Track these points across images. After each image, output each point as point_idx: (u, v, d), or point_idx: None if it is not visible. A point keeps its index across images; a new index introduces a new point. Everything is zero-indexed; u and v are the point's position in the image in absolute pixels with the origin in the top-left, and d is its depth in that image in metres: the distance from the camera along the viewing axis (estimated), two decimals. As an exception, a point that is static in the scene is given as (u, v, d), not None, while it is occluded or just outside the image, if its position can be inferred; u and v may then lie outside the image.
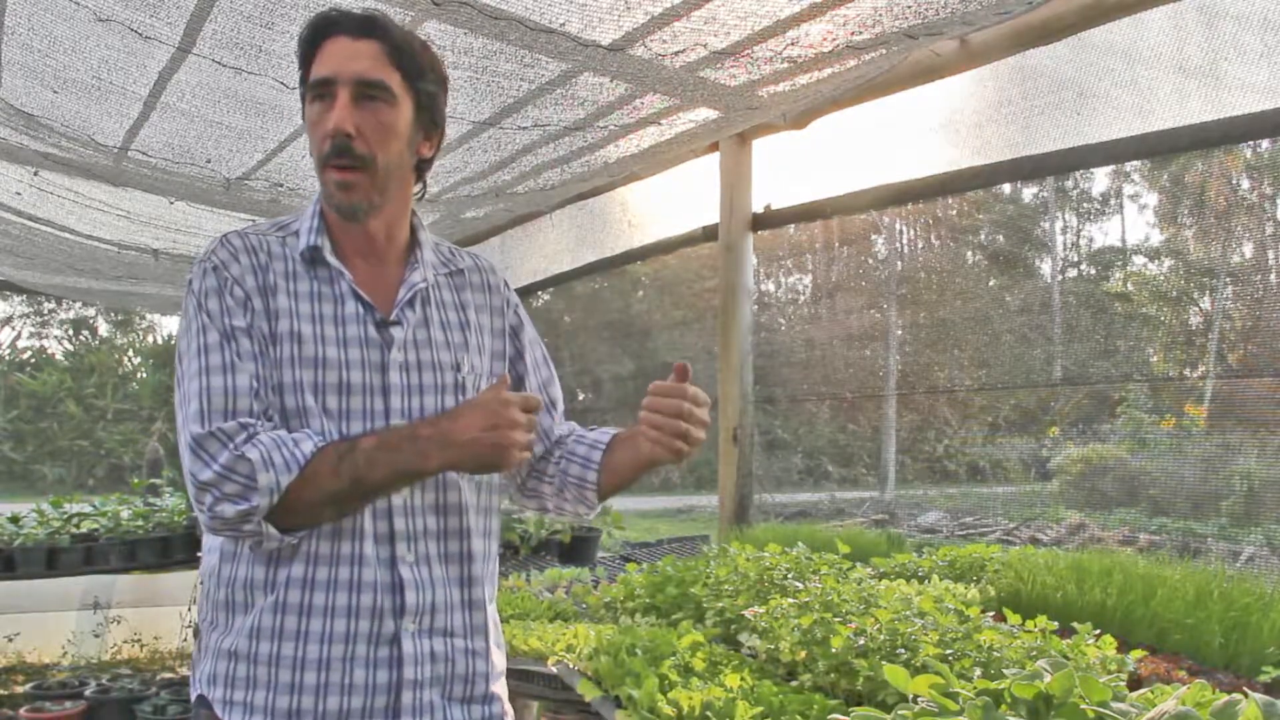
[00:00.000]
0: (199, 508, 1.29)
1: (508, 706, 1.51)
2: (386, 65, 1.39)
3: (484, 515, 1.49)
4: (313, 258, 1.43)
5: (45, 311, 24.20)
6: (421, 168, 1.51)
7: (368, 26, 1.40)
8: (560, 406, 1.66)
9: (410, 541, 1.38)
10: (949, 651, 1.94)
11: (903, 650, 1.97)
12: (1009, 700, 1.40)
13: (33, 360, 23.29)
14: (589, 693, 2.16)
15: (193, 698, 1.42)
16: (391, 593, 1.36)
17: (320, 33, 1.40)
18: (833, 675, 2.01)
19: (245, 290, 1.37)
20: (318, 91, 1.39)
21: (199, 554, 4.63)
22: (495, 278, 1.62)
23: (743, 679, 2.00)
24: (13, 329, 24.39)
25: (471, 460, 1.30)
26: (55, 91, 2.43)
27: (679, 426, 1.35)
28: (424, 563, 1.39)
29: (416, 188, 1.52)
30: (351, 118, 1.36)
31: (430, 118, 1.47)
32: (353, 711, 1.33)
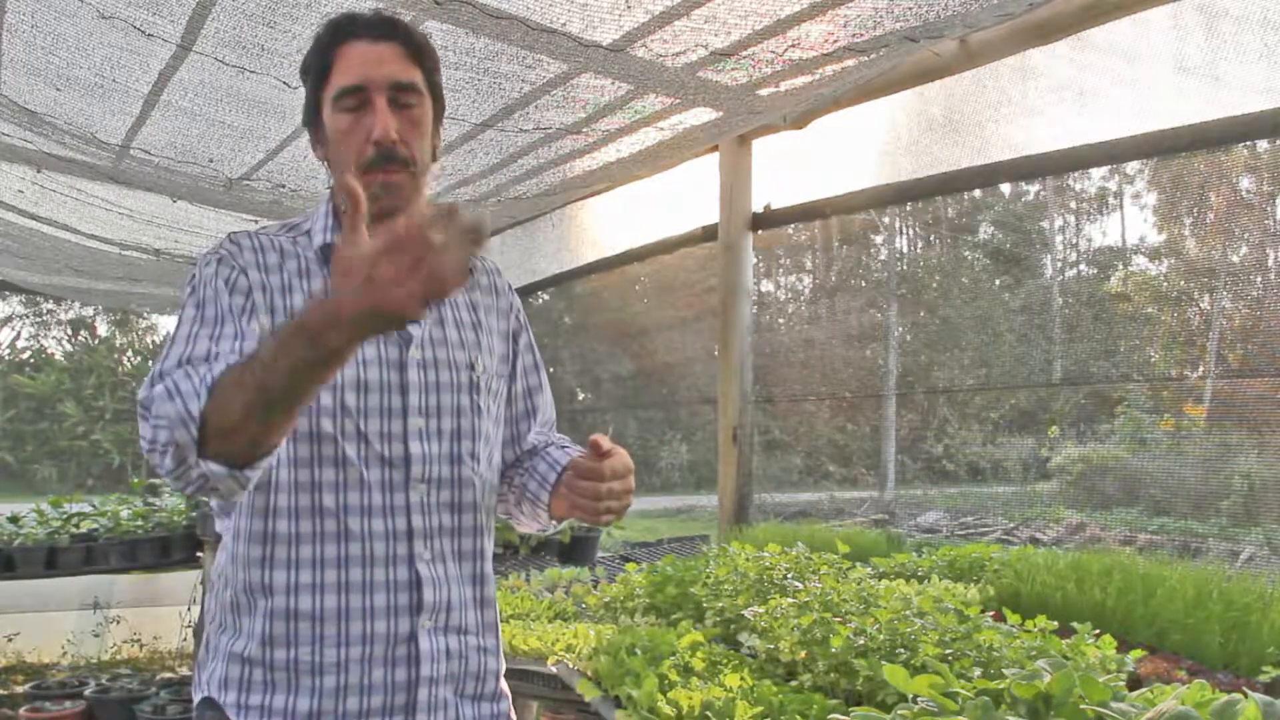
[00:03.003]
0: (164, 476, 1.21)
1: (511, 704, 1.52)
2: (411, 65, 1.39)
3: (489, 515, 1.50)
4: (326, 256, 1.42)
5: (44, 312, 24.20)
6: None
7: (386, 29, 1.39)
8: (542, 415, 1.63)
9: (427, 539, 1.38)
10: (949, 651, 1.94)
11: (903, 650, 1.97)
12: (1009, 700, 1.41)
13: (32, 360, 23.29)
14: (589, 693, 2.16)
15: (196, 699, 1.41)
16: (409, 590, 1.36)
17: (336, 39, 1.39)
18: (833, 675, 2.01)
19: (250, 281, 1.36)
20: (346, 102, 1.37)
21: (199, 554, 4.65)
22: (501, 280, 1.62)
23: (742, 679, 2.00)
24: (12, 329, 24.40)
25: (371, 328, 1.09)
26: (58, 89, 2.43)
27: (598, 506, 1.37)
28: (439, 560, 1.40)
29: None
30: (393, 123, 1.35)
31: (440, 111, 1.48)
32: (372, 710, 1.33)
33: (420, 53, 1.41)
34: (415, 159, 1.38)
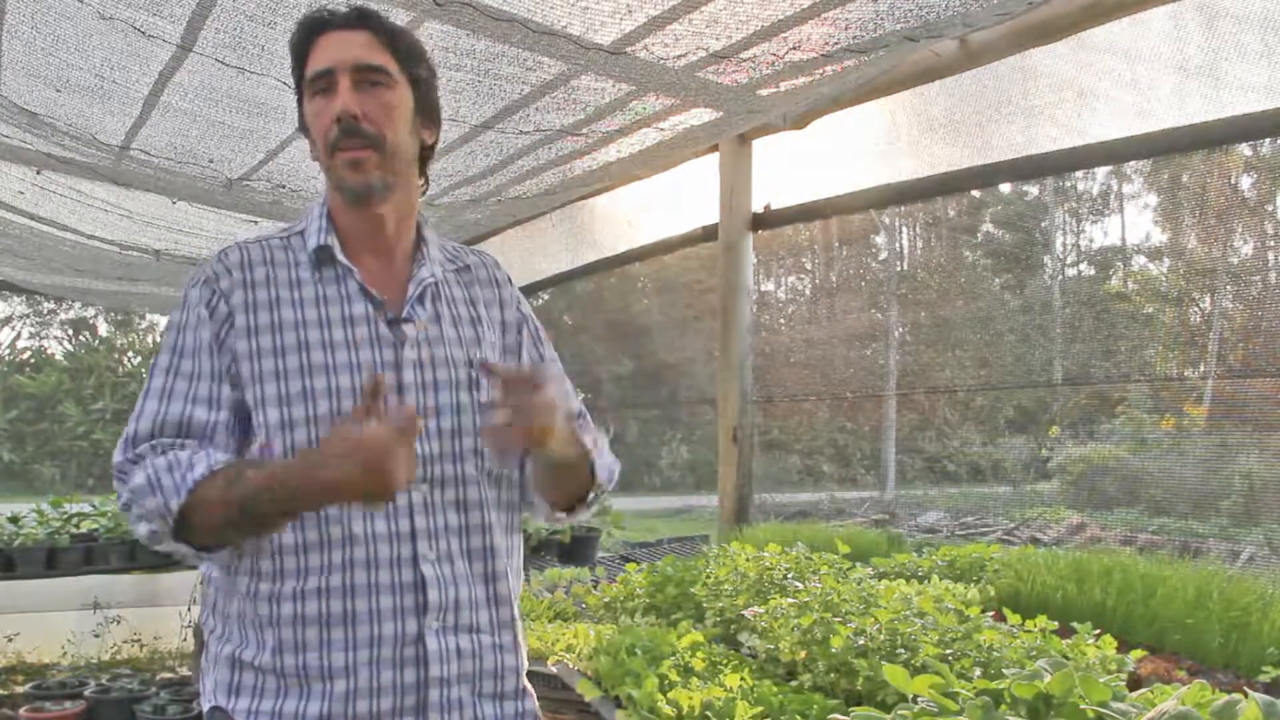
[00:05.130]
0: (133, 530, 1.35)
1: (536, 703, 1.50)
2: (381, 51, 1.40)
3: (506, 510, 1.48)
4: (320, 258, 1.42)
5: (45, 312, 24.19)
6: (424, 158, 1.50)
7: (357, 19, 1.41)
8: None
9: (432, 539, 1.37)
10: (949, 651, 1.94)
11: (903, 650, 1.97)
12: (1009, 700, 1.41)
13: (32, 360, 23.29)
14: (589, 693, 2.16)
15: (205, 708, 1.41)
16: (414, 592, 1.35)
17: (311, 32, 1.42)
18: (833, 675, 2.01)
19: (230, 306, 1.38)
20: (317, 86, 1.40)
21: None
22: (500, 273, 1.61)
23: (742, 679, 2.00)
24: (12, 329, 24.39)
25: (349, 499, 1.25)
26: (58, 90, 2.43)
27: (521, 420, 1.29)
28: (446, 560, 1.39)
29: (420, 181, 1.52)
30: (356, 100, 1.37)
31: (426, 104, 1.47)
32: (382, 713, 1.32)
33: (394, 41, 1.41)
34: (384, 138, 1.38)
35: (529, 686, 1.49)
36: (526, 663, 1.51)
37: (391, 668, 1.33)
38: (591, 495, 1.54)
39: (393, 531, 1.35)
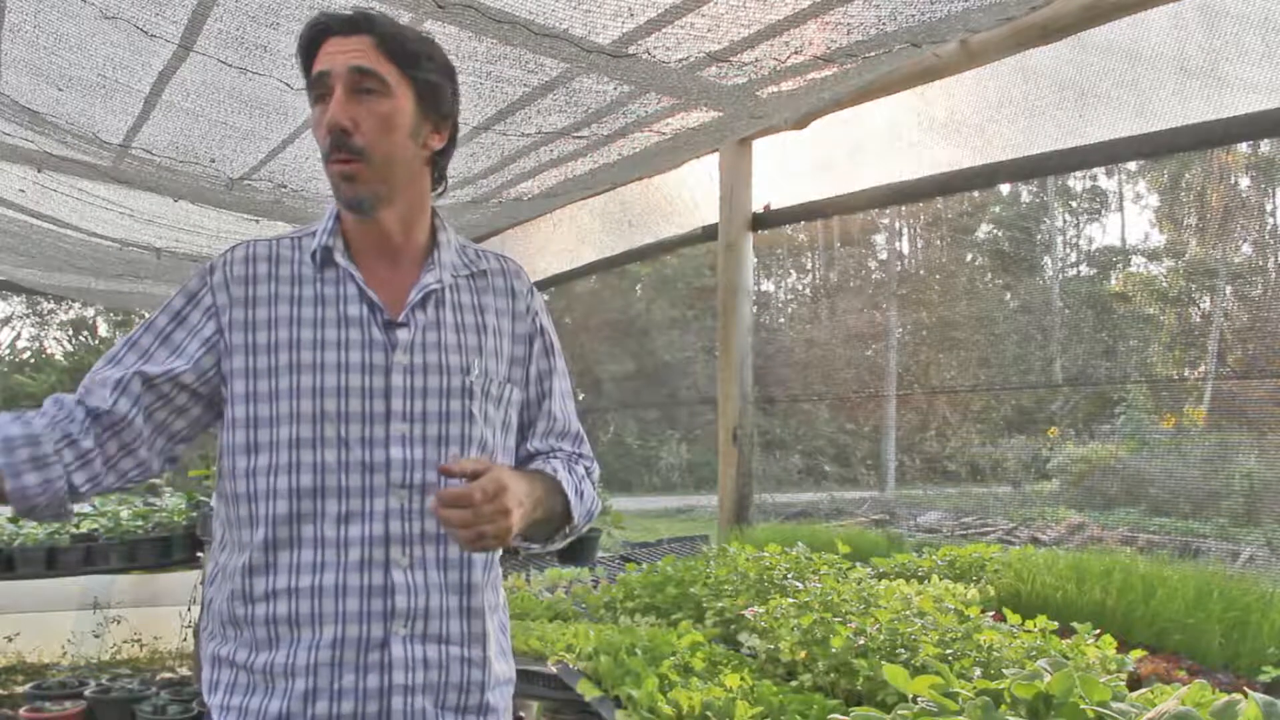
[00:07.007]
0: None
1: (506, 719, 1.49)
2: (377, 55, 1.38)
3: None
4: (323, 259, 1.43)
5: (44, 312, 24.19)
6: (436, 161, 1.48)
7: (355, 23, 1.39)
8: (546, 425, 1.56)
9: (406, 545, 1.37)
10: (949, 651, 1.95)
11: (903, 650, 1.97)
12: (1009, 700, 1.41)
13: (32, 361, 23.29)
14: (589, 693, 2.16)
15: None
16: (382, 597, 1.35)
17: (315, 39, 1.41)
18: (833, 675, 2.02)
19: (217, 302, 1.40)
20: (316, 91, 1.39)
21: (199, 554, 4.65)
22: (520, 282, 1.57)
23: (742, 679, 2.00)
24: (12, 329, 24.39)
25: None
26: (60, 89, 2.44)
27: (468, 535, 1.25)
28: (420, 567, 1.38)
29: (438, 187, 1.51)
30: (347, 111, 1.35)
31: (434, 108, 1.44)
32: (343, 715, 1.32)
33: (392, 45, 1.39)
34: (371, 149, 1.37)
35: (496, 703, 1.46)
36: (507, 675, 1.50)
37: (354, 671, 1.33)
38: (565, 531, 1.52)
39: (365, 535, 1.35)
